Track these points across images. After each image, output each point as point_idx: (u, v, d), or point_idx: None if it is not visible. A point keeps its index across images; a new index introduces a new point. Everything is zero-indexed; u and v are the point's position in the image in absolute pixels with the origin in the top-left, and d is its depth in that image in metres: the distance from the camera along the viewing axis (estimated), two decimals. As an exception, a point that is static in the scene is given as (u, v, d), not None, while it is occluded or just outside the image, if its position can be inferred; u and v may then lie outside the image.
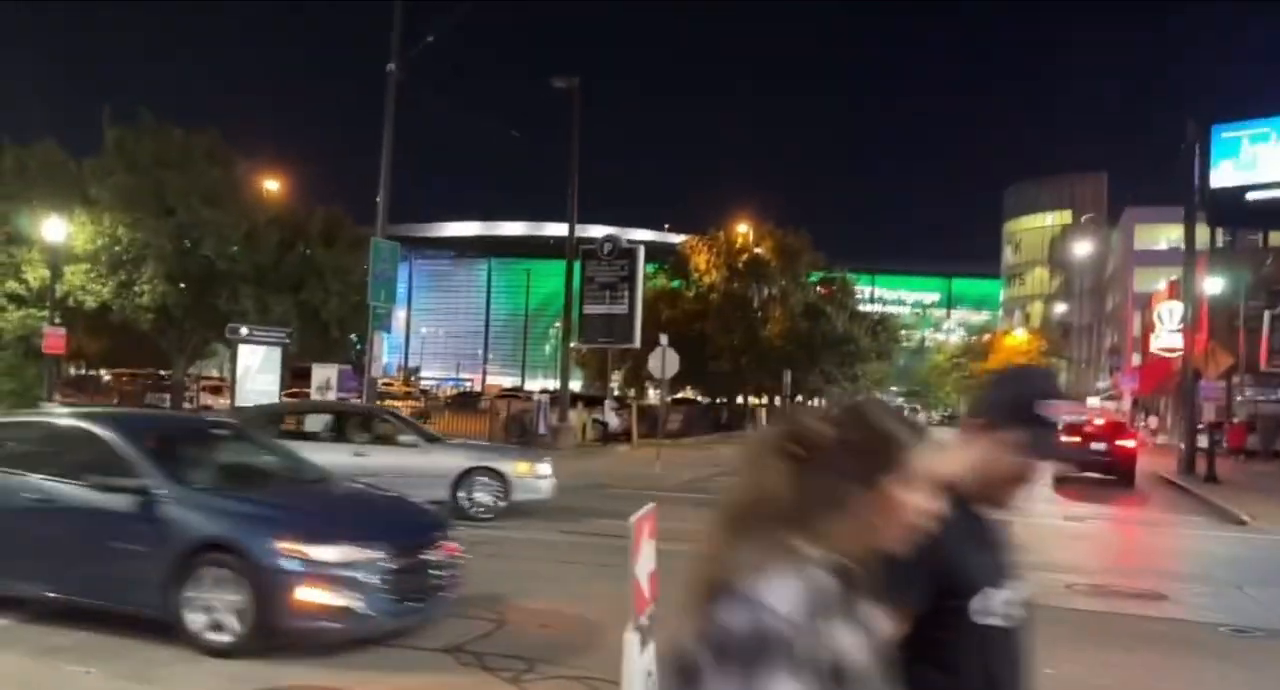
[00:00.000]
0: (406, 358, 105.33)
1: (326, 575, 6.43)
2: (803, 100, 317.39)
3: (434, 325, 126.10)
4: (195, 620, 6.44)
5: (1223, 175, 40.15)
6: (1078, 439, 21.65)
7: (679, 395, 48.01)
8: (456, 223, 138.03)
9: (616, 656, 4.21)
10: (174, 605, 6.46)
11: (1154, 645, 8.11)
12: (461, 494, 13.44)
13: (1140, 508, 20.20)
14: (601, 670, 6.01)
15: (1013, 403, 2.07)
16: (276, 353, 23.09)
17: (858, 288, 60.74)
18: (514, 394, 48.40)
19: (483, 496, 13.55)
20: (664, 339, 24.39)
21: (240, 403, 20.91)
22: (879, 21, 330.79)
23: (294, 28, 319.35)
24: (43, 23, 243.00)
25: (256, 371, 22.60)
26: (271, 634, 6.43)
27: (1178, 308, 37.28)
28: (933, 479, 1.57)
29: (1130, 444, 23.86)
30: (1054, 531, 14.57)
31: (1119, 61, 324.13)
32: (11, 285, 29.68)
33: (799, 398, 45.91)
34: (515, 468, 13.91)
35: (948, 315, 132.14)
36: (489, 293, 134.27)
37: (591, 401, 35.67)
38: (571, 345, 33.30)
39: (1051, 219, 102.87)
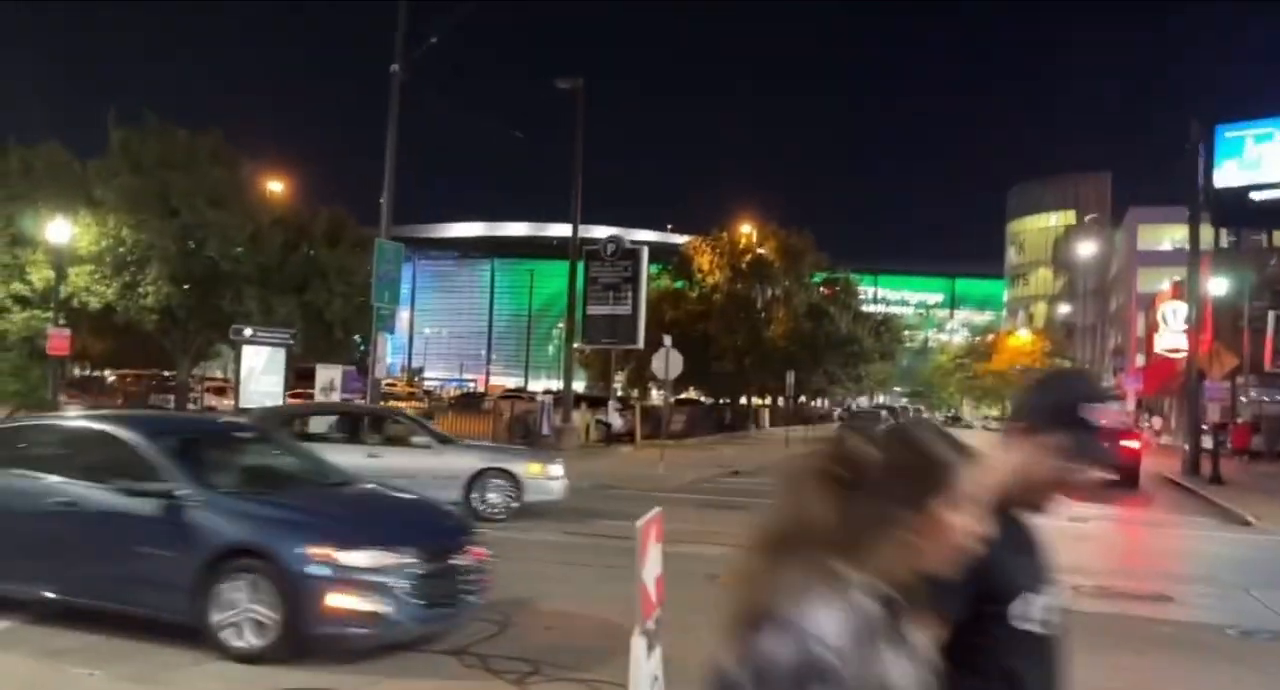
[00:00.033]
0: (410, 358, 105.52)
1: (356, 580, 6.33)
2: (803, 100, 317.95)
3: (437, 326, 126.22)
4: (222, 625, 6.36)
5: (1227, 175, 39.89)
6: None
7: (682, 396, 47.97)
8: (460, 223, 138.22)
9: (623, 660, 4.20)
10: (201, 610, 6.37)
11: (1163, 648, 8.08)
12: (474, 495, 13.44)
13: (1144, 509, 20.16)
14: (608, 674, 5.99)
15: (1055, 406, 2.05)
16: (280, 354, 23.08)
17: (860, 288, 60.76)
18: (517, 395, 48.48)
19: (495, 497, 13.54)
20: (667, 340, 24.36)
21: (244, 404, 20.87)
22: (879, 21, 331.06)
23: (295, 28, 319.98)
24: (43, 23, 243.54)
25: (260, 372, 22.59)
26: (300, 640, 6.34)
27: (1182, 308, 37.15)
28: (980, 500, 1.55)
29: (1134, 445, 23.81)
30: (1057, 533, 14.43)
31: (1119, 61, 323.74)
32: (16, 286, 29.74)
33: (802, 398, 45.88)
34: (528, 469, 13.91)
35: (951, 316, 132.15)
36: (492, 293, 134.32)
37: (595, 402, 35.61)
38: (575, 346, 33.24)
39: (1055, 219, 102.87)
